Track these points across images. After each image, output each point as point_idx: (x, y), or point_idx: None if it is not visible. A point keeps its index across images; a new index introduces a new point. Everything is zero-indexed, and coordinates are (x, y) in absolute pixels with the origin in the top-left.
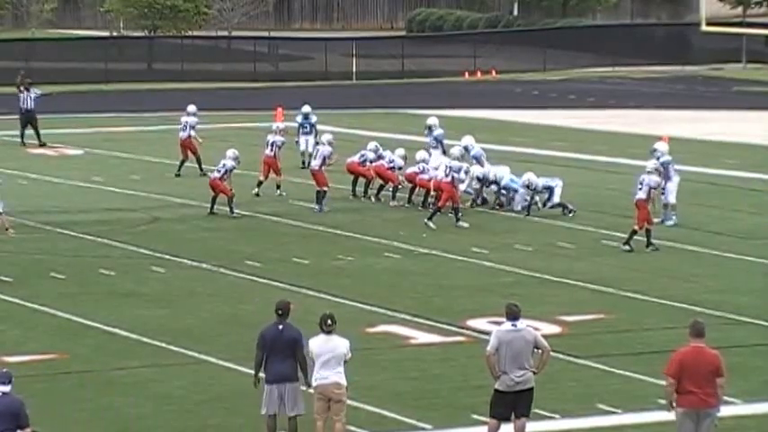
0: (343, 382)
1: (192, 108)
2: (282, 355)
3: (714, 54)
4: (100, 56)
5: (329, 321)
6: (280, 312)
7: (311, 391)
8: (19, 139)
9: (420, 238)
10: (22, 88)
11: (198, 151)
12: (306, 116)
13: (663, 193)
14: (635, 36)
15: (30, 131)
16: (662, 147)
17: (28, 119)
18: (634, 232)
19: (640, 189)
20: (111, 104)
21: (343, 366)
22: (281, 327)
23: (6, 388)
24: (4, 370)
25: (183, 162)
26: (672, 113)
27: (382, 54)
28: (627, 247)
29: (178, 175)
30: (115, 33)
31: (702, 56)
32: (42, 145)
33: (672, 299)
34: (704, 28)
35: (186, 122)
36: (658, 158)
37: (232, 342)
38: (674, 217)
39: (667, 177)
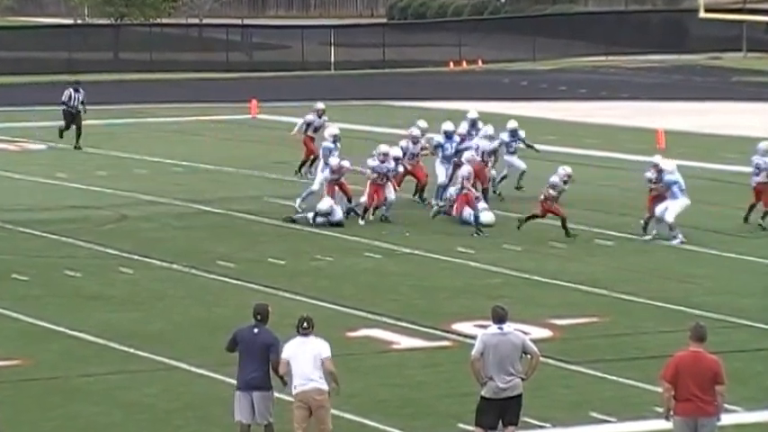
0: (324, 387)
1: (321, 105)
2: (255, 361)
3: (713, 42)
4: (63, 45)
5: (306, 324)
6: (258, 317)
7: (288, 391)
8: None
9: (403, 237)
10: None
11: (315, 151)
12: (323, 113)
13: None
14: (629, 23)
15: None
16: (667, 165)
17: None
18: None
19: (757, 174)
20: None
21: (323, 371)
22: (256, 330)
23: None
24: None
25: (307, 161)
26: (668, 105)
27: (362, 43)
28: None
29: (298, 173)
30: (79, 21)
31: (700, 44)
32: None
33: (669, 301)
34: (703, 15)
35: (304, 119)
36: (660, 173)
37: (204, 347)
38: (679, 235)
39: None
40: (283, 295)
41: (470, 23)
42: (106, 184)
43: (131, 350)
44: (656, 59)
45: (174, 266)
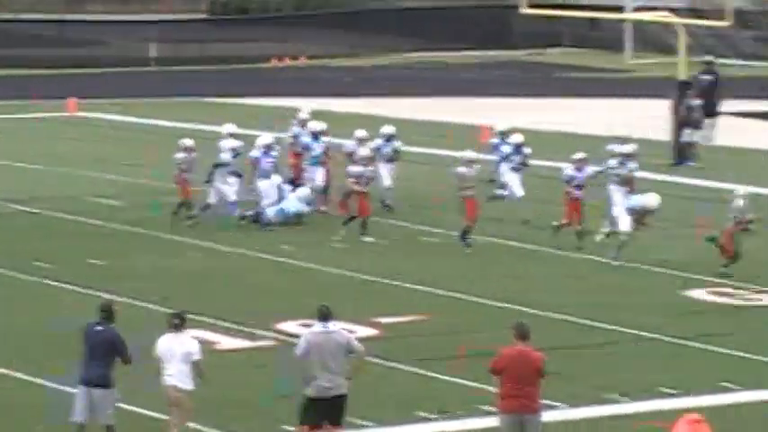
0: (184, 385)
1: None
2: (97, 357)
3: (535, 38)
4: None
5: (177, 321)
6: (104, 314)
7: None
8: None
9: (225, 235)
10: None
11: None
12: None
13: None
14: (451, 19)
15: None
16: None
17: None
18: None
19: None
20: None
21: (189, 368)
22: (100, 327)
23: None
24: None
25: None
26: (491, 101)
27: (183, 38)
28: None
29: None
30: None
31: (523, 40)
32: None
33: (497, 299)
34: (524, 11)
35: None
36: None
37: (21, 350)
38: None
39: None
40: (102, 296)
41: (293, 19)
42: None
43: None
44: (478, 55)
45: None
